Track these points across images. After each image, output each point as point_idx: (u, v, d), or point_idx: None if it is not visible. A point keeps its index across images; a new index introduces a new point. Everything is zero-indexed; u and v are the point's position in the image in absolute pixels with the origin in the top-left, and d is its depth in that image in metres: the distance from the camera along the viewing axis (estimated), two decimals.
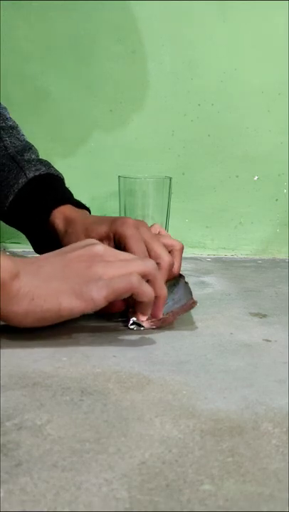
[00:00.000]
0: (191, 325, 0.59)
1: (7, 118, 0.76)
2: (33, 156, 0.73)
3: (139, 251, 0.58)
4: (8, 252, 0.92)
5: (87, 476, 0.31)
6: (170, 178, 0.84)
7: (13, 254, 0.89)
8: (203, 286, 0.75)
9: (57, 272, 0.51)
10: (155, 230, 0.66)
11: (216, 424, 0.38)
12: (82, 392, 0.42)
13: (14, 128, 0.75)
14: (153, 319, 0.56)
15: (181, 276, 0.64)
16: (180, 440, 0.36)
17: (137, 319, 0.55)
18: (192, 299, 0.58)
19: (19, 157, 0.71)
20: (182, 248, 0.65)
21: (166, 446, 0.35)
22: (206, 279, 0.80)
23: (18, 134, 0.75)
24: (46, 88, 0.98)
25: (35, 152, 0.74)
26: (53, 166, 0.73)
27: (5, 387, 0.42)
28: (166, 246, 0.62)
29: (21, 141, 0.74)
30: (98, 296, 0.49)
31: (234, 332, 0.57)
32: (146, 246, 0.59)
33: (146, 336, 0.55)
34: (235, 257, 0.98)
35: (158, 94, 0.97)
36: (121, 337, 0.54)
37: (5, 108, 0.78)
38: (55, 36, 0.97)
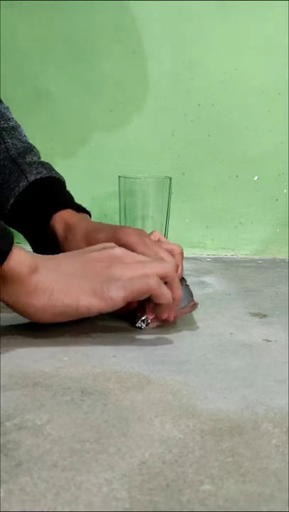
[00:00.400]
0: (191, 325, 0.59)
1: (9, 118, 0.76)
2: (34, 159, 0.72)
3: (151, 255, 0.59)
4: None
5: (87, 476, 0.31)
6: (170, 178, 0.84)
7: None
8: (203, 286, 0.75)
9: (76, 269, 0.52)
10: (155, 237, 0.66)
11: (216, 424, 0.38)
12: (82, 392, 0.42)
13: (16, 128, 0.75)
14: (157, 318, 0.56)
15: (182, 278, 0.64)
16: (180, 440, 0.36)
17: (147, 317, 0.55)
18: (193, 300, 0.58)
19: (20, 159, 0.71)
20: (182, 252, 0.65)
21: (166, 446, 0.35)
22: (206, 279, 0.80)
23: (20, 135, 0.75)
24: (46, 88, 0.98)
25: (37, 154, 0.74)
26: (54, 169, 0.73)
27: (5, 387, 0.42)
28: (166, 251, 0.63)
29: (23, 142, 0.74)
30: (117, 296, 0.50)
31: (234, 332, 0.57)
32: None
33: (147, 336, 0.55)
34: (235, 257, 0.98)
35: (158, 94, 0.97)
36: (121, 337, 0.54)
37: (7, 108, 0.78)
38: (55, 36, 0.97)
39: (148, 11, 0.94)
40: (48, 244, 0.66)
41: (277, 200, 0.98)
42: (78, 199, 0.72)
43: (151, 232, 0.67)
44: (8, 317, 0.56)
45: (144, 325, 0.56)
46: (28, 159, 0.71)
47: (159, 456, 0.34)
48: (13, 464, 0.32)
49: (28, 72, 0.97)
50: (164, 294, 0.52)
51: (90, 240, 0.62)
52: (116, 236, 0.60)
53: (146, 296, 0.52)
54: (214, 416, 0.39)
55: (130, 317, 0.57)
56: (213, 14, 0.94)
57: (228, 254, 0.99)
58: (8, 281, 0.49)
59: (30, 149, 0.73)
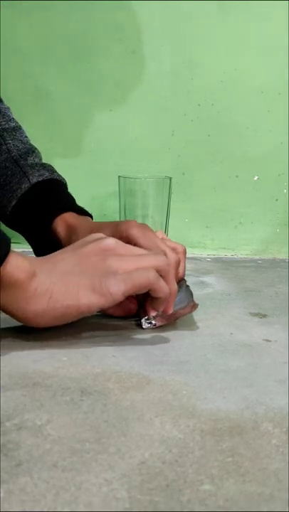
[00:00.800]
0: (191, 325, 0.59)
1: (10, 119, 0.76)
2: (36, 160, 0.72)
3: (152, 248, 0.58)
4: None
5: (87, 476, 0.31)
6: (170, 178, 0.84)
7: None
8: (203, 286, 0.75)
9: (72, 267, 0.51)
10: (158, 236, 0.66)
11: (216, 424, 0.38)
12: (82, 392, 0.42)
13: (17, 129, 0.75)
14: (162, 315, 0.56)
15: (183, 279, 0.64)
16: (180, 440, 0.36)
17: (149, 316, 0.55)
18: (193, 301, 0.58)
19: (22, 161, 0.70)
20: (185, 251, 0.65)
21: (166, 446, 0.35)
22: (206, 279, 0.80)
23: (22, 136, 0.75)
24: (46, 88, 0.98)
25: (38, 155, 0.74)
26: (56, 171, 0.73)
27: (5, 387, 0.42)
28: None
29: (24, 143, 0.74)
30: (117, 290, 0.50)
31: (234, 332, 0.57)
32: None
33: (147, 335, 0.55)
34: (235, 257, 0.98)
35: (158, 94, 0.97)
36: (121, 337, 0.54)
37: (8, 108, 0.77)
38: (55, 36, 0.97)
39: (148, 11, 0.94)
40: (49, 246, 0.66)
41: (277, 200, 0.98)
42: (78, 199, 0.72)
43: (156, 232, 0.67)
44: (8, 318, 0.56)
45: (148, 324, 0.56)
46: (30, 161, 0.71)
47: (159, 456, 0.34)
48: (13, 464, 0.32)
49: (28, 72, 0.97)
50: (162, 288, 0.52)
51: None
52: (119, 230, 0.59)
53: (145, 290, 0.52)
54: (214, 416, 0.39)
55: (137, 319, 0.58)
56: (213, 14, 0.94)
57: (228, 254, 0.99)
58: (5, 286, 0.48)
59: (31, 150, 0.73)
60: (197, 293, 0.66)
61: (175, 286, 0.55)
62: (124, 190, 0.83)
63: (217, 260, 0.94)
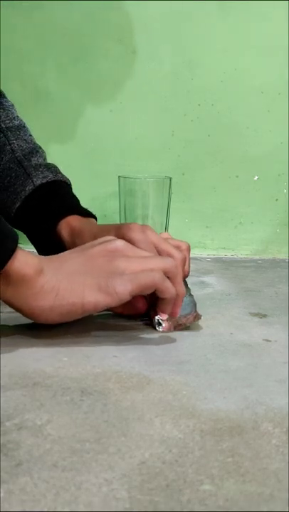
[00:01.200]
0: (191, 325, 0.59)
1: (14, 117, 0.75)
2: (40, 161, 0.72)
3: (152, 251, 0.59)
4: None
5: (87, 476, 0.31)
6: (170, 178, 0.84)
7: None
8: (203, 286, 0.75)
9: (79, 266, 0.52)
10: (163, 236, 0.66)
11: (216, 424, 0.38)
12: (82, 392, 0.42)
13: (21, 128, 0.75)
14: (170, 319, 0.56)
15: (187, 287, 0.64)
16: (180, 440, 0.36)
17: (160, 317, 0.56)
18: (196, 311, 0.58)
19: (26, 162, 0.70)
20: (189, 248, 0.65)
21: (166, 446, 0.35)
22: (206, 279, 0.80)
23: (26, 135, 0.74)
24: (46, 88, 0.98)
25: (43, 155, 0.74)
26: (60, 172, 0.73)
27: (5, 387, 0.42)
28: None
29: (28, 142, 0.73)
30: (123, 290, 0.50)
31: (234, 332, 0.57)
32: (155, 248, 0.60)
33: (147, 335, 0.55)
34: (235, 257, 0.98)
35: (158, 94, 0.97)
36: (121, 337, 0.54)
37: (12, 105, 0.77)
38: (54, 36, 0.97)
39: (148, 11, 0.94)
40: (53, 248, 0.66)
41: (277, 200, 0.98)
42: (78, 198, 0.72)
43: (160, 233, 0.67)
44: (8, 317, 0.56)
45: (159, 327, 0.56)
46: (34, 161, 0.71)
47: (159, 456, 0.34)
48: (13, 464, 0.32)
49: (28, 72, 0.97)
50: (168, 289, 0.53)
51: None
52: (120, 233, 0.60)
53: (151, 290, 0.52)
54: (214, 416, 0.39)
55: (146, 318, 0.58)
56: (213, 14, 0.94)
57: (228, 254, 0.99)
58: (13, 282, 0.49)
59: (35, 150, 0.73)
60: (197, 293, 0.66)
61: (183, 288, 0.55)
62: (124, 190, 0.83)
63: (217, 260, 0.94)
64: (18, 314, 0.52)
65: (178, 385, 0.44)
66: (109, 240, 0.55)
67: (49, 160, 0.75)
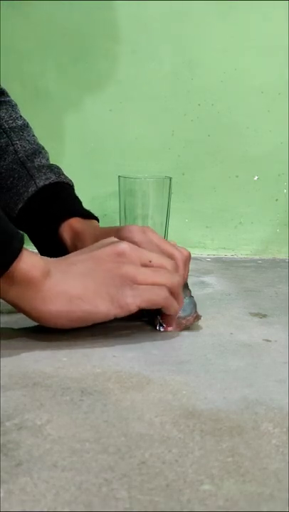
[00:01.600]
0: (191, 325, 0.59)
1: (17, 117, 0.74)
2: (43, 161, 0.72)
3: (154, 252, 0.59)
4: None
5: (87, 476, 0.31)
6: (170, 178, 0.84)
7: None
8: (203, 286, 0.75)
9: (88, 270, 0.52)
10: None
11: (216, 424, 0.38)
12: (82, 392, 0.42)
13: (24, 128, 0.74)
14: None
15: (187, 289, 0.64)
16: (180, 440, 0.36)
17: (162, 322, 0.57)
18: (196, 312, 0.58)
19: (29, 163, 0.70)
20: (189, 256, 0.64)
21: (166, 446, 0.35)
22: (206, 279, 0.80)
23: (29, 136, 0.74)
24: (46, 88, 0.98)
25: (46, 156, 0.74)
26: (62, 173, 0.72)
27: (5, 387, 0.42)
28: None
29: (31, 143, 0.73)
30: (133, 303, 0.52)
31: (234, 332, 0.57)
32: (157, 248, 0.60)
33: (147, 336, 0.55)
34: (235, 257, 0.98)
35: (158, 94, 0.97)
36: (121, 337, 0.54)
37: (15, 105, 0.76)
38: (54, 36, 0.97)
39: (148, 11, 0.94)
40: (55, 250, 0.66)
41: (277, 200, 0.98)
42: (81, 200, 0.72)
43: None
44: (8, 318, 0.56)
45: (160, 327, 0.57)
46: (37, 162, 0.71)
47: (159, 456, 0.34)
48: (13, 464, 0.32)
49: (28, 72, 0.97)
50: (173, 307, 0.55)
51: None
52: (121, 236, 0.60)
53: (158, 307, 0.54)
54: (214, 416, 0.39)
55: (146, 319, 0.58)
56: (213, 14, 0.94)
57: (228, 254, 0.99)
58: (17, 283, 0.48)
59: (38, 151, 0.73)
60: (197, 293, 0.66)
61: (182, 300, 0.57)
62: (124, 190, 0.83)
63: (217, 260, 0.94)
64: (18, 316, 0.52)
65: (178, 385, 0.44)
66: (115, 242, 0.54)
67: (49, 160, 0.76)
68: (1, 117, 0.73)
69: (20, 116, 0.76)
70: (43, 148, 0.75)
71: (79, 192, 0.74)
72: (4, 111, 0.74)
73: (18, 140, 0.72)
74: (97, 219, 0.70)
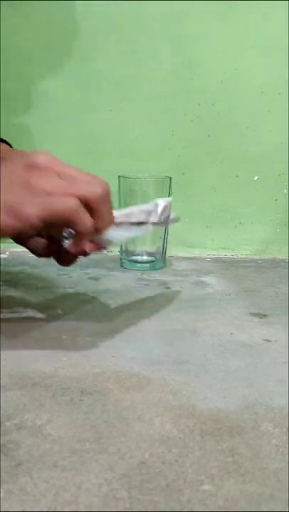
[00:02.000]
0: (191, 325, 0.59)
1: None
2: None
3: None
4: (8, 252, 0.92)
5: (87, 476, 0.31)
6: (170, 178, 0.84)
7: (14, 255, 0.89)
8: (203, 286, 0.75)
9: None
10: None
11: (216, 424, 0.38)
12: (82, 392, 0.42)
13: None
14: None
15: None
16: (180, 440, 0.36)
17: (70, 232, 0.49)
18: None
19: None
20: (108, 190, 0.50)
21: (166, 446, 0.35)
22: (206, 279, 0.80)
23: None
24: (46, 88, 0.97)
25: None
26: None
27: (5, 387, 0.42)
28: None
29: None
30: (32, 214, 0.43)
31: (234, 332, 0.57)
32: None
33: (147, 335, 0.55)
34: (235, 257, 0.98)
35: (158, 94, 0.97)
36: (121, 337, 0.54)
37: None
38: (55, 36, 0.97)
39: (148, 11, 0.94)
40: None
41: (277, 200, 0.98)
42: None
43: None
44: (8, 317, 0.56)
45: (66, 241, 0.49)
46: None
47: (159, 456, 0.34)
48: (13, 464, 0.32)
49: (28, 72, 0.97)
50: (84, 223, 0.45)
51: None
52: (26, 158, 0.49)
53: (64, 221, 0.45)
54: (214, 416, 0.39)
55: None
56: (213, 14, 0.94)
57: (228, 254, 0.99)
58: None
59: None
60: (197, 293, 0.66)
61: (105, 223, 0.48)
62: (124, 190, 0.83)
63: (217, 260, 0.94)
64: (18, 312, 0.52)
65: (178, 385, 0.44)
66: (33, 153, 0.47)
67: None
68: None
69: None
70: None
71: None
72: None
73: None
74: (9, 144, 0.62)
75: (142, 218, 0.53)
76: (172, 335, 0.55)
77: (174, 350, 0.52)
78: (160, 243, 0.84)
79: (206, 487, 0.31)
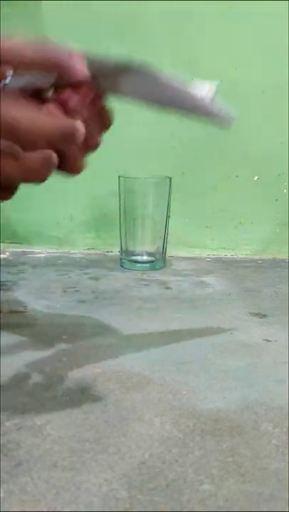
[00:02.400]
0: (191, 325, 0.59)
1: None
2: None
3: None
4: (8, 252, 0.92)
5: (87, 476, 0.31)
6: (170, 178, 0.84)
7: (14, 255, 0.89)
8: (203, 286, 0.75)
9: None
10: None
11: (216, 424, 0.38)
12: (82, 392, 0.42)
13: None
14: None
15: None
16: (180, 440, 0.36)
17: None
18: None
19: None
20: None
21: (166, 446, 0.35)
22: (206, 279, 0.80)
23: None
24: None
25: None
26: None
27: (5, 387, 0.42)
28: None
29: None
30: None
31: (234, 332, 0.57)
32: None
33: (147, 335, 0.55)
34: (235, 257, 0.98)
35: None
36: (121, 337, 0.54)
37: None
38: (54, 36, 0.97)
39: (148, 11, 0.94)
40: None
41: (277, 200, 0.98)
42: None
43: None
44: (8, 317, 0.56)
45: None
46: None
47: (159, 456, 0.34)
48: (13, 464, 0.32)
49: None
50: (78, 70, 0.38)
51: None
52: None
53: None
54: (214, 416, 0.39)
55: None
56: (214, 14, 0.94)
57: (228, 254, 0.99)
58: None
59: None
60: (197, 293, 0.66)
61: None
62: (124, 190, 0.83)
63: (217, 260, 0.94)
64: (18, 314, 0.52)
65: (178, 385, 0.44)
66: None
67: None
68: None
69: None
70: None
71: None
72: None
73: None
74: None
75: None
76: (172, 335, 0.55)
77: (174, 350, 0.52)
78: (160, 243, 0.84)
79: (206, 487, 0.31)
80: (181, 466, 0.33)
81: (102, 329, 0.56)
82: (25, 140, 0.37)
